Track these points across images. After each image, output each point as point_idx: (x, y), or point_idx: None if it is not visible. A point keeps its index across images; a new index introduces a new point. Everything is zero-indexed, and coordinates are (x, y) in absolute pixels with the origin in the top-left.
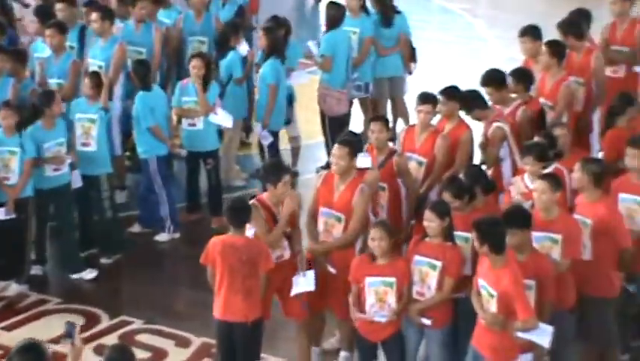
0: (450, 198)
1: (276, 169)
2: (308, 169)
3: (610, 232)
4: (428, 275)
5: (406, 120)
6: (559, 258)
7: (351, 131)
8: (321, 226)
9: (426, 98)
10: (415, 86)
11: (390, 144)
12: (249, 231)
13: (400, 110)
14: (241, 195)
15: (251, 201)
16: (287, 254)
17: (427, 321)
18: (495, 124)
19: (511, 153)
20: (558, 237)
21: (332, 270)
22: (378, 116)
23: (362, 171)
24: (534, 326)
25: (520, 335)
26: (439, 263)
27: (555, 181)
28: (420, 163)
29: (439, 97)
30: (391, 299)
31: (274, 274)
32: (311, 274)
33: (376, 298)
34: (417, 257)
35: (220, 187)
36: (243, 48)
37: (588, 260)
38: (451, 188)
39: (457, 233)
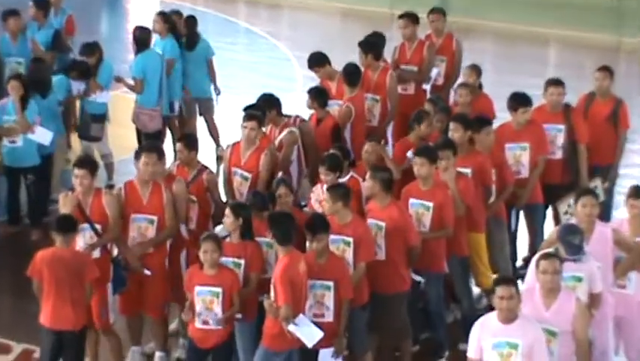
0: (256, 210)
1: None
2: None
3: (401, 232)
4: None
5: (216, 139)
6: (351, 259)
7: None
8: (135, 232)
9: (252, 116)
10: (226, 105)
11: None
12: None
13: (212, 129)
14: (67, 214)
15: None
16: (96, 254)
17: (238, 315)
18: (287, 130)
19: (299, 156)
20: (350, 239)
21: (147, 272)
22: (184, 135)
23: (170, 178)
24: (288, 315)
25: (291, 329)
26: (242, 261)
27: (337, 193)
28: (245, 178)
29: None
30: (217, 308)
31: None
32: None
33: (204, 307)
34: (224, 259)
35: (42, 201)
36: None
37: (382, 260)
38: (254, 199)
39: (261, 239)
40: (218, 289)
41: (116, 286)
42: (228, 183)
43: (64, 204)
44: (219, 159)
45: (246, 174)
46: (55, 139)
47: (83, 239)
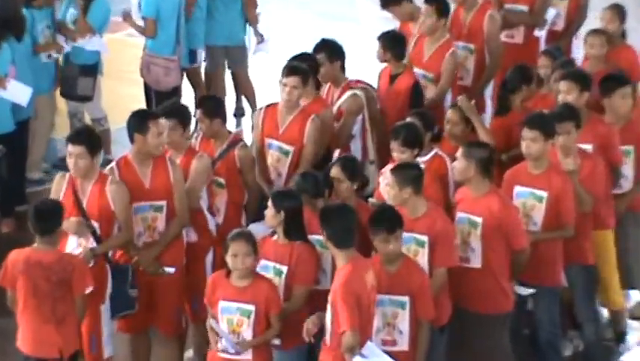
0: (307, 198)
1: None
2: None
3: (503, 231)
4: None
5: (252, 100)
6: (426, 264)
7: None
8: (140, 226)
9: (294, 70)
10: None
11: (236, 127)
12: (72, 242)
13: (243, 87)
14: (49, 199)
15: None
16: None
17: (276, 341)
18: (350, 92)
19: (364, 130)
20: (424, 238)
21: (169, 269)
22: (203, 99)
23: (190, 153)
24: (354, 343)
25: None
26: (285, 268)
27: (405, 175)
28: (284, 153)
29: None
30: (247, 333)
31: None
32: None
33: (229, 329)
34: (263, 262)
35: (16, 182)
36: None
37: (477, 268)
38: (304, 183)
39: (314, 237)
40: (250, 307)
41: (119, 308)
42: (261, 159)
43: (70, 225)
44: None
45: (285, 147)
46: (33, 98)
47: (75, 240)
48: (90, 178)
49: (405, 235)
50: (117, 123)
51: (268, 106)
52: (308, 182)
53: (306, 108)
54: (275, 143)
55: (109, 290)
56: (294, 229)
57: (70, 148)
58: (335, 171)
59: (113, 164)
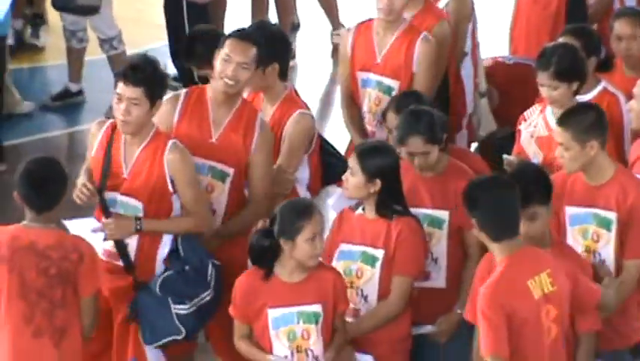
0: (418, 145)
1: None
2: None
3: None
4: (363, 274)
5: (333, 16)
6: (612, 256)
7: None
8: None
9: None
10: None
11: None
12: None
13: None
14: (45, 157)
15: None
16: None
17: (367, 358)
18: None
19: (473, 46)
20: (612, 216)
21: None
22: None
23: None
24: None
25: None
26: (379, 252)
27: (578, 121)
28: (386, 91)
29: None
30: (317, 346)
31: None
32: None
33: (292, 348)
34: (345, 246)
35: None
36: None
37: None
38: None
39: (419, 211)
40: (317, 308)
41: (160, 333)
42: (350, 101)
43: (116, 227)
44: (335, 52)
45: (387, 81)
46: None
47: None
48: (141, 137)
49: (577, 210)
50: (136, 45)
51: (360, 24)
52: (421, 121)
53: (412, 24)
54: (372, 77)
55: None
56: (391, 198)
57: (123, 89)
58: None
59: (181, 91)
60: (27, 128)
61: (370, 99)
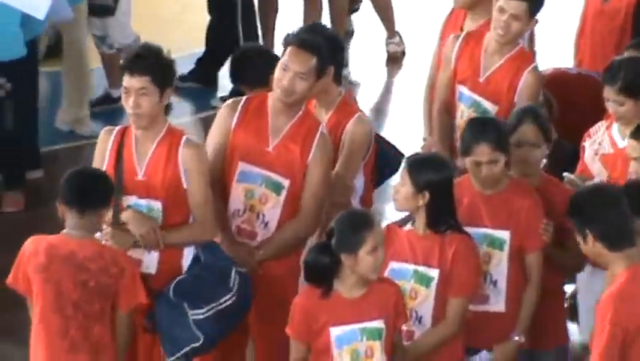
0: (485, 152)
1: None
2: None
3: None
4: (417, 295)
5: (389, 24)
6: None
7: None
8: (240, 203)
9: None
10: None
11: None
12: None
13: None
14: (90, 168)
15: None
16: (152, 264)
17: None
18: None
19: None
20: None
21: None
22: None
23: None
24: None
25: None
26: (434, 272)
27: None
28: (483, 113)
29: None
30: None
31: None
32: None
33: None
34: (395, 264)
35: (29, 133)
36: None
37: None
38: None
39: (478, 230)
40: (380, 325)
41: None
42: (442, 110)
43: (114, 240)
44: (390, 61)
45: (485, 104)
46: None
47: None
48: (155, 132)
49: None
50: (179, 49)
51: (469, 34)
52: (488, 128)
53: (523, 50)
54: (470, 94)
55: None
56: (442, 212)
57: (128, 81)
58: (529, 130)
59: (243, 97)
60: (65, 134)
61: (463, 116)
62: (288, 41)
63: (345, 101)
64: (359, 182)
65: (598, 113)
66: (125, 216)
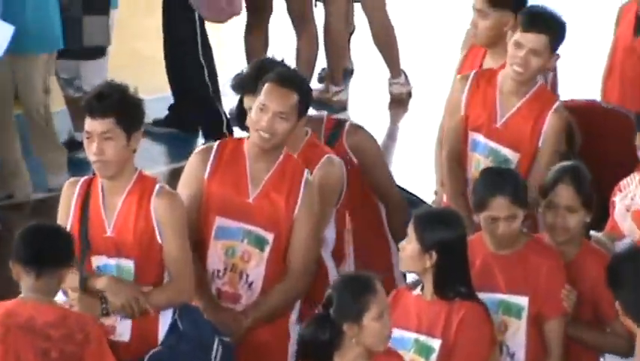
0: (503, 206)
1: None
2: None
3: None
4: None
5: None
6: None
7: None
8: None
9: (540, 20)
10: None
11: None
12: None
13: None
14: (49, 224)
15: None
16: (125, 331)
17: None
18: None
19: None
20: None
21: None
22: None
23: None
24: None
25: None
26: (436, 342)
27: None
28: (503, 162)
29: None
30: None
31: None
32: None
33: None
34: (397, 332)
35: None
36: None
37: None
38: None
39: (492, 296)
40: None
41: None
42: (454, 162)
43: (80, 306)
44: (393, 103)
45: (504, 151)
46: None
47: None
48: (123, 181)
49: None
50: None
51: (479, 74)
52: (506, 180)
53: (544, 87)
54: (486, 142)
55: None
56: (452, 277)
57: (90, 124)
58: (566, 194)
59: (214, 143)
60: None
61: (478, 167)
62: (265, 79)
63: (312, 141)
64: (330, 232)
65: (625, 154)
66: (100, 284)
